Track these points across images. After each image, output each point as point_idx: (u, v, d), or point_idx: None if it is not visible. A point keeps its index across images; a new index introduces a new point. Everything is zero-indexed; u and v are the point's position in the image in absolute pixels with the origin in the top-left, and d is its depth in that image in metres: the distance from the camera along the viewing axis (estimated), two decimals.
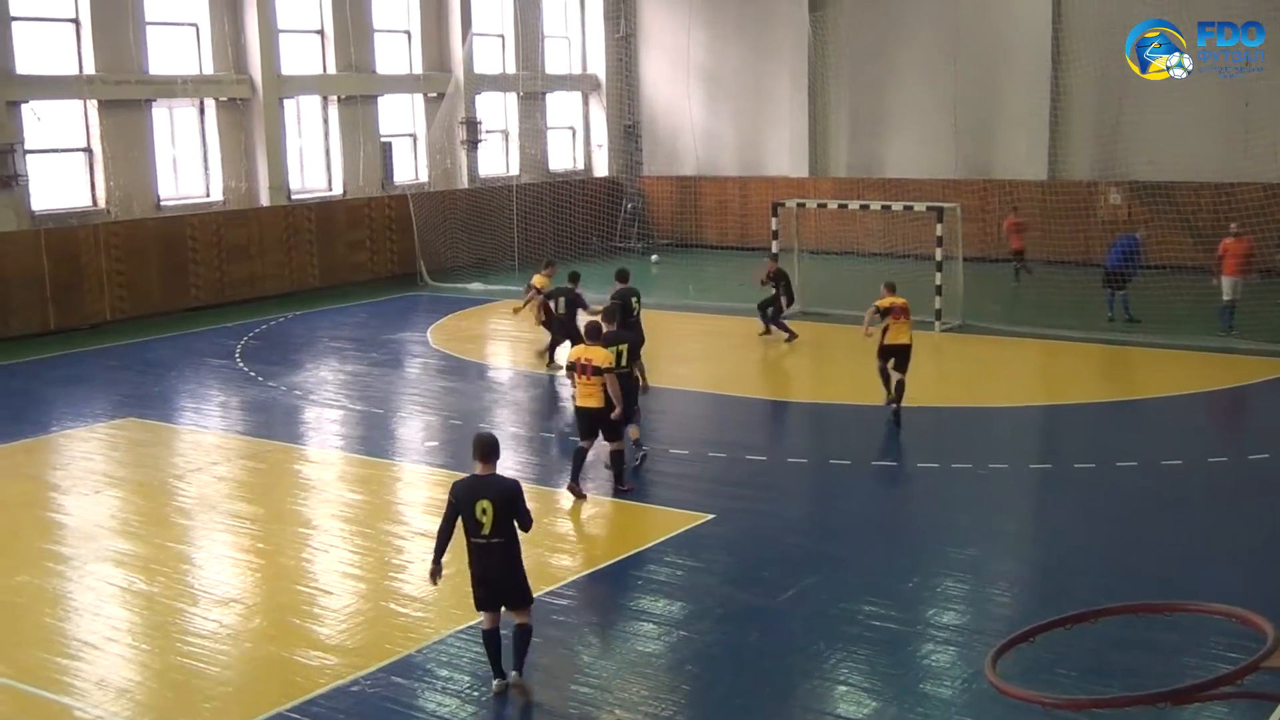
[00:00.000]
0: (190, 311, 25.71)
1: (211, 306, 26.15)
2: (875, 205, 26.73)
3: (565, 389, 16.68)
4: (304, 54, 29.44)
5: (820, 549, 12.20)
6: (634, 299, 17.29)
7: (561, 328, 19.18)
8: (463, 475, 9.13)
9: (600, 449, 13.83)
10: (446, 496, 8.92)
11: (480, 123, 32.96)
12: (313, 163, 30.18)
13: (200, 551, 12.49)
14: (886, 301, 16.45)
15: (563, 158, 36.80)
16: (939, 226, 22.53)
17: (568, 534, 12.84)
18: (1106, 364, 20.57)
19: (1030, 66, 29.80)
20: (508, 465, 12.98)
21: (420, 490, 14.60)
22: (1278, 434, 16.00)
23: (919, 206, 24.88)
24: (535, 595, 9.37)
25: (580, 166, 37.07)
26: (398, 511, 13.78)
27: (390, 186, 31.00)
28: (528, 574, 9.09)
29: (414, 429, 17.02)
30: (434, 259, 30.12)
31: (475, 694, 9.13)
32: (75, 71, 25.13)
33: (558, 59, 36.05)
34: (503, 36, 34.18)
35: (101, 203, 25.73)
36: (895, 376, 16.31)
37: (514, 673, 9.00)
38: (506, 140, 34.83)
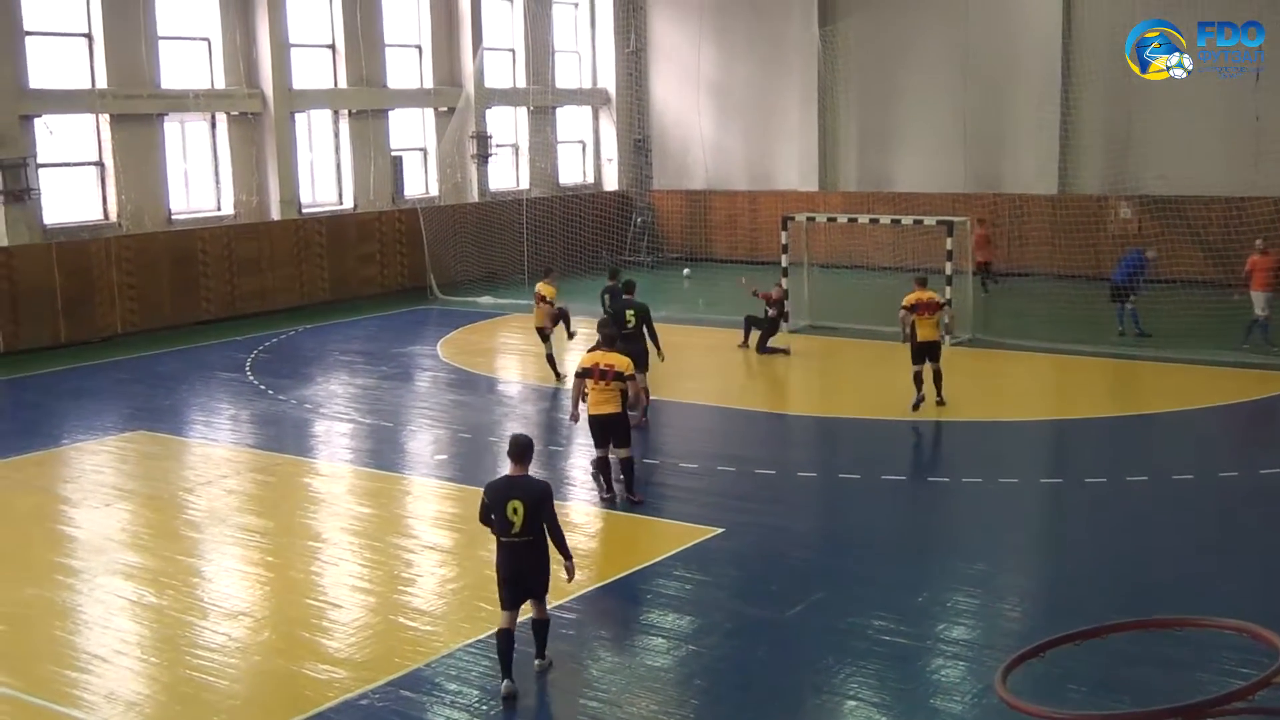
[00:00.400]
0: (201, 325, 25.78)
1: (222, 320, 26.22)
2: (885, 219, 26.71)
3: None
4: (315, 68, 29.57)
5: (829, 563, 12.18)
6: (629, 311, 17.25)
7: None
8: (494, 478, 9.44)
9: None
10: (457, 509, 9.00)
11: (491, 137, 33.01)
12: (323, 176, 30.26)
13: (210, 565, 12.51)
14: (912, 298, 16.43)
15: (573, 172, 36.86)
16: (949, 240, 22.53)
17: (576, 548, 12.70)
18: (1117, 378, 20.51)
19: (1040, 81, 29.77)
20: None
21: (429, 504, 14.57)
22: None
23: (929, 220, 24.89)
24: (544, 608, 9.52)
25: (590, 180, 37.13)
26: (407, 525, 13.75)
27: (401, 200, 31.07)
28: None
29: (423, 442, 17.03)
30: (444, 273, 30.17)
31: (484, 708, 9.12)
32: (87, 86, 25.25)
33: (568, 73, 36.13)
34: (513, 51, 34.27)
35: (113, 216, 25.83)
36: (931, 367, 16.47)
37: (537, 660, 9.51)
38: (517, 154, 34.89)
